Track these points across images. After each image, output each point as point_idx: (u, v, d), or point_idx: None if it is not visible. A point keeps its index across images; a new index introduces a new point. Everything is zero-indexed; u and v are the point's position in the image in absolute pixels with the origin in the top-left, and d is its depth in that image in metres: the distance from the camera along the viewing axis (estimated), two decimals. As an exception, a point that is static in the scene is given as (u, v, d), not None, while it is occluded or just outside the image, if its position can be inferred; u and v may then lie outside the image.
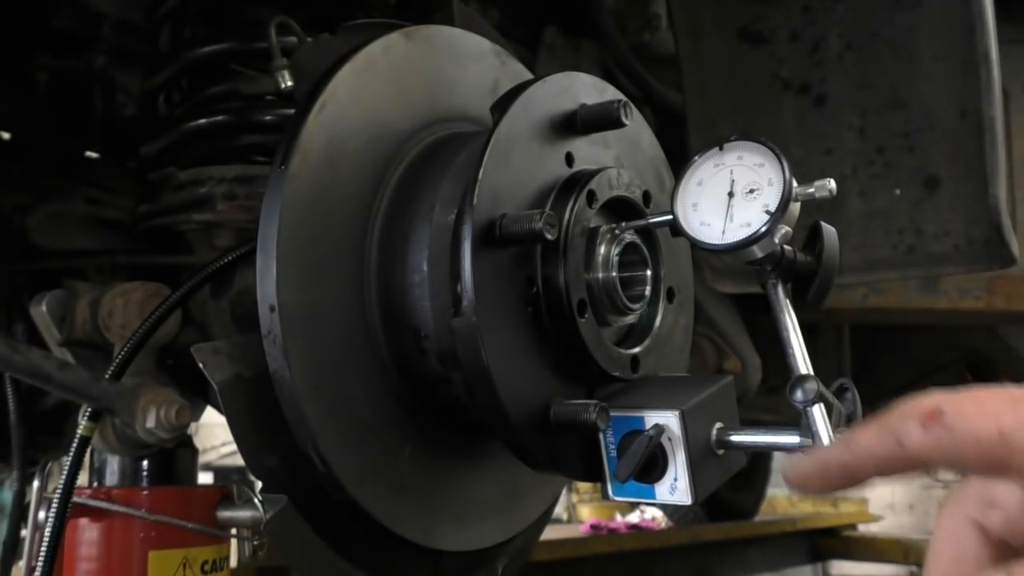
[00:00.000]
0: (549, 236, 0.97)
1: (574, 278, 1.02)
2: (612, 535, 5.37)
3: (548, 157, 1.08)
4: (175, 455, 1.37)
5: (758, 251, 0.91)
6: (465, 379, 1.02)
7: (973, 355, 3.54)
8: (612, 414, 0.99)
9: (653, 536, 4.68)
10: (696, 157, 0.96)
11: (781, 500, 8.10)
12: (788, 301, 0.93)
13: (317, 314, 1.06)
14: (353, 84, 1.11)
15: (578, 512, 9.48)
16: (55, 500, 1.17)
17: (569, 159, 1.10)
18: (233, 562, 1.34)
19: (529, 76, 1.30)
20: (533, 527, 1.38)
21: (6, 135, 1.76)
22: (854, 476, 0.64)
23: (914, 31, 1.70)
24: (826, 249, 0.95)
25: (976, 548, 0.59)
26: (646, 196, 1.13)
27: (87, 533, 1.24)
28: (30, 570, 1.17)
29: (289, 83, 1.22)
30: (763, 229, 0.89)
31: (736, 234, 0.90)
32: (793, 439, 0.91)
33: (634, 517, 7.72)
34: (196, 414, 1.52)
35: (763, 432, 0.97)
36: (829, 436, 0.85)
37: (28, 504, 1.24)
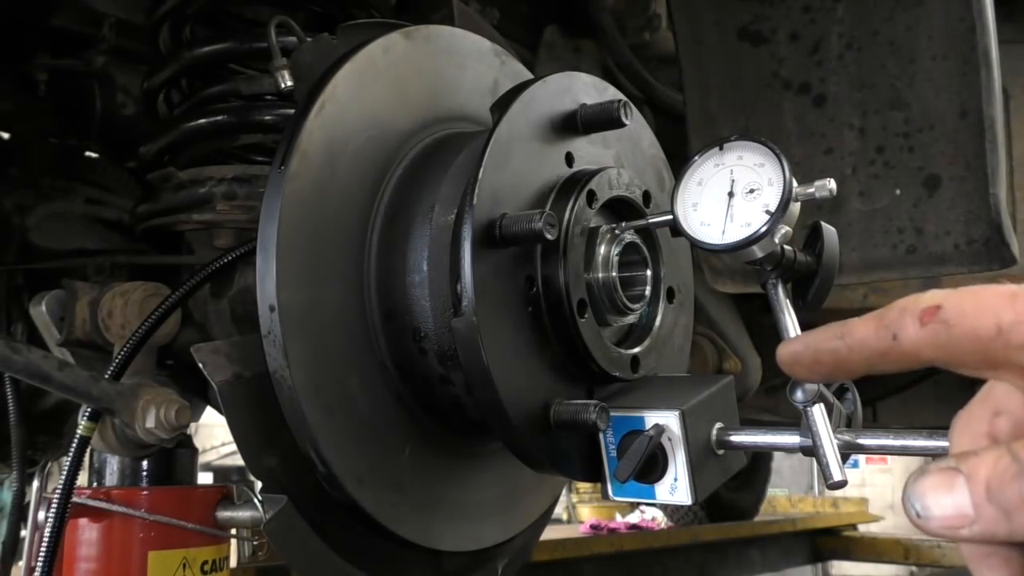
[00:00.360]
0: (549, 236, 0.96)
1: (574, 278, 1.02)
2: (612, 535, 5.37)
3: (548, 157, 1.08)
4: (175, 455, 1.37)
5: (758, 251, 0.91)
6: (465, 379, 1.01)
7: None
8: (612, 414, 0.98)
9: (653, 536, 4.68)
10: (696, 157, 0.96)
11: (781, 500, 8.11)
12: (788, 301, 0.93)
13: (317, 314, 1.06)
14: (353, 84, 1.11)
15: (578, 512, 9.49)
16: (55, 500, 1.17)
17: (569, 159, 1.10)
18: (233, 562, 1.34)
19: (529, 76, 1.30)
20: (533, 527, 1.38)
21: (6, 135, 1.76)
22: (844, 366, 0.62)
23: (914, 31, 1.70)
24: (826, 249, 0.95)
25: None
26: (646, 196, 1.13)
27: (87, 533, 1.24)
28: (30, 570, 1.16)
29: (289, 83, 1.22)
30: (763, 229, 0.89)
31: (736, 234, 0.90)
32: (793, 439, 0.91)
33: (634, 517, 7.73)
34: (196, 414, 1.52)
35: (763, 432, 0.97)
36: (829, 436, 0.85)
37: (28, 504, 1.24)
